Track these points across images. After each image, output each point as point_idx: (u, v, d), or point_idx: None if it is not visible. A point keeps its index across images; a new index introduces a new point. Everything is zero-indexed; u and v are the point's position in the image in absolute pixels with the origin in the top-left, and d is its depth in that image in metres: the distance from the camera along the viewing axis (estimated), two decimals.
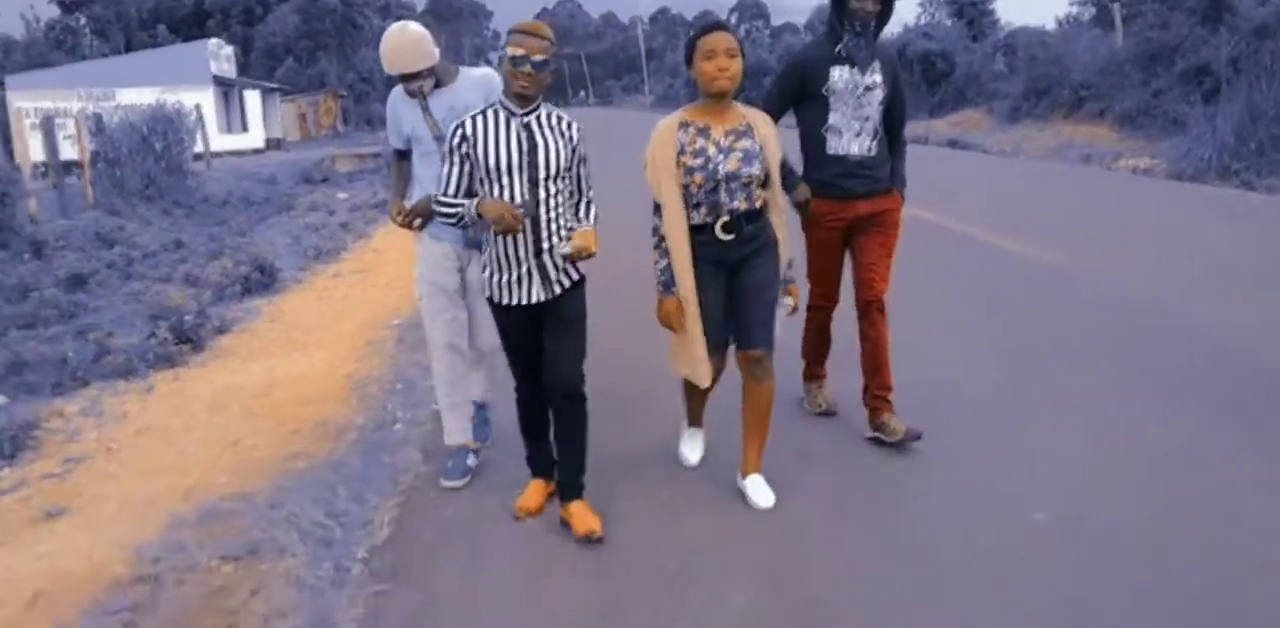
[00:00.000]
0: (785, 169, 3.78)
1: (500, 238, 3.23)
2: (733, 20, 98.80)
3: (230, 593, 3.05)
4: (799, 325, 4.32)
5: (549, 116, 3.30)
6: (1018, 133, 22.36)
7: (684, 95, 60.52)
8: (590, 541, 3.28)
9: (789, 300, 3.58)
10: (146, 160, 16.57)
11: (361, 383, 5.32)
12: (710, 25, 3.40)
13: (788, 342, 3.83)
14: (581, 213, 3.40)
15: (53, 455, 4.57)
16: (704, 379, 3.49)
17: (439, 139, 3.71)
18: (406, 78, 3.71)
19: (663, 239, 3.43)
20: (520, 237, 3.23)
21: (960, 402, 4.64)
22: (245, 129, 33.73)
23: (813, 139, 4.09)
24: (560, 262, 3.30)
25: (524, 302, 3.31)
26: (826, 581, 3.05)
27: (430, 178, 3.77)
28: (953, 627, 2.76)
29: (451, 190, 3.29)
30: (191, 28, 54.55)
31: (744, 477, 3.65)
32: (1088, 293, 6.75)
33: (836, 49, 4.00)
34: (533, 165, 3.21)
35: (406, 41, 3.67)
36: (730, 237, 3.42)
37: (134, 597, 3.05)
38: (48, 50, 49.50)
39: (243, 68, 41.14)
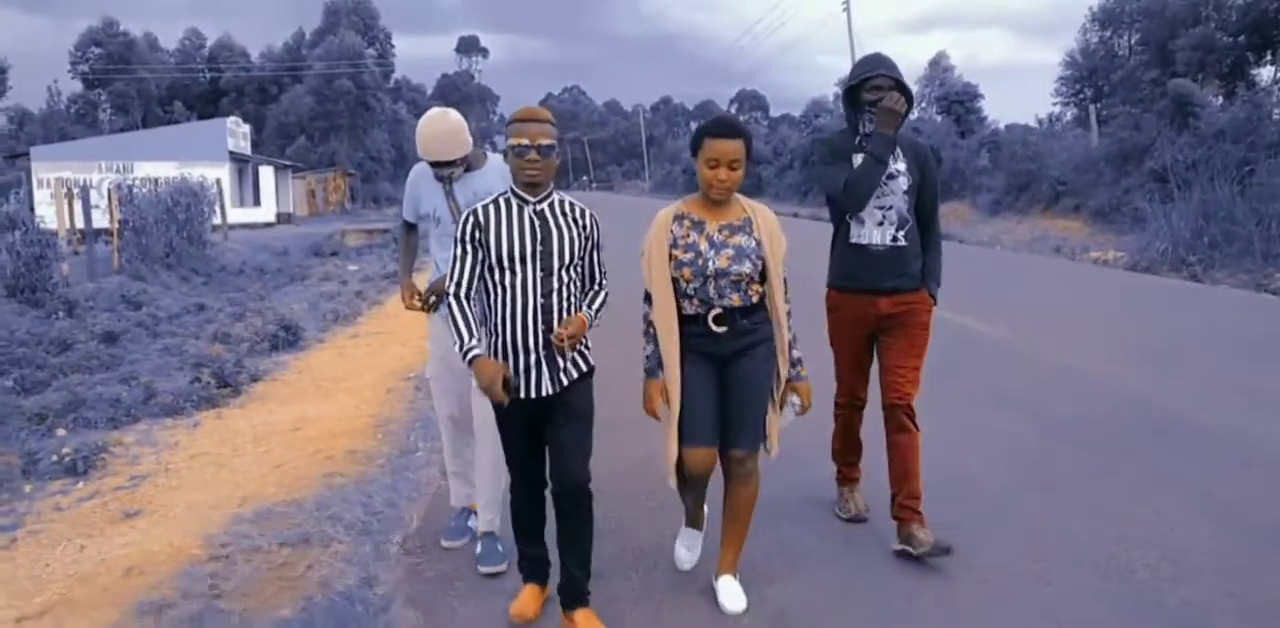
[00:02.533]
0: None
1: (509, 326, 3.11)
2: (732, 110, 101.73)
3: (292, 567, 3.79)
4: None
5: (561, 204, 3.22)
6: (998, 225, 23.47)
7: (681, 182, 62.34)
8: None
9: (796, 399, 3.40)
10: (169, 230, 17.54)
11: (385, 422, 6.08)
12: (722, 127, 3.28)
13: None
14: (586, 301, 3.27)
15: (120, 473, 5.30)
16: (671, 480, 3.40)
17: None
18: (439, 164, 3.74)
19: (651, 326, 3.36)
20: (530, 325, 3.10)
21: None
22: (258, 203, 34.98)
23: (839, 227, 3.98)
24: (568, 351, 3.16)
25: (530, 395, 3.14)
26: None
27: (446, 260, 3.67)
28: None
29: (464, 283, 3.14)
30: (206, 105, 56.65)
31: (717, 576, 3.51)
32: (1023, 359, 7.76)
33: (856, 139, 3.91)
34: (546, 254, 3.11)
35: (445, 130, 3.68)
36: (723, 329, 3.30)
37: (212, 569, 3.78)
38: (68, 123, 51.26)
39: (254, 144, 42.72)
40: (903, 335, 3.92)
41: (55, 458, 5.44)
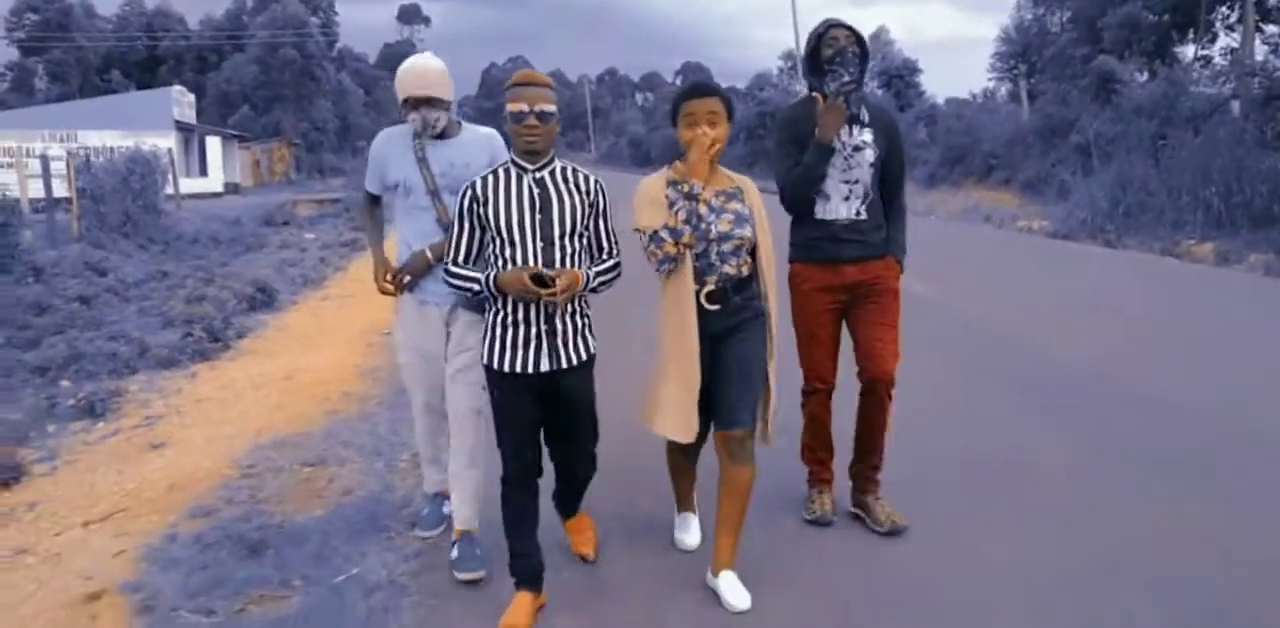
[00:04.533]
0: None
1: (510, 298, 3.01)
2: (677, 82, 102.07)
3: (315, 481, 4.44)
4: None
5: (564, 170, 3.12)
6: (934, 197, 24.45)
7: (627, 153, 62.73)
8: (583, 560, 3.51)
9: None
10: (125, 199, 17.78)
11: (371, 370, 6.69)
12: (692, 89, 3.24)
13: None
14: (593, 264, 3.14)
15: (134, 415, 5.86)
16: (691, 435, 3.21)
17: (433, 194, 3.52)
18: (421, 103, 3.44)
19: (646, 243, 3.18)
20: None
21: None
22: (205, 173, 34.86)
23: (802, 203, 3.80)
24: (574, 328, 3.09)
25: (528, 370, 3.03)
26: None
27: (416, 234, 3.57)
28: None
29: (461, 256, 3.12)
30: (144, 73, 55.78)
31: (715, 574, 3.30)
32: (943, 313, 8.62)
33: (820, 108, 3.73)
34: (546, 223, 3.01)
35: (432, 66, 3.46)
36: (716, 307, 3.20)
37: (246, 484, 4.41)
38: (2, 92, 50.30)
39: (197, 114, 42.41)
40: (874, 305, 3.79)
41: (73, 402, 5.99)
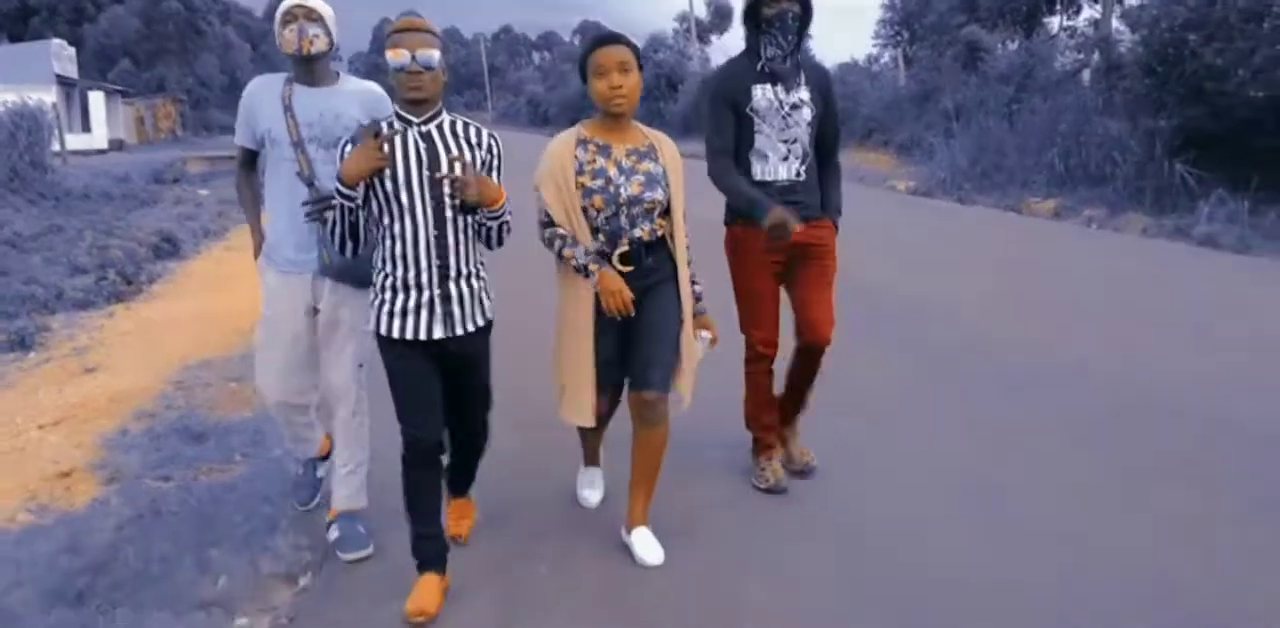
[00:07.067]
0: (756, 194, 3.56)
1: (401, 261, 2.84)
2: (575, 42, 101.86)
3: (241, 392, 5.15)
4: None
5: (454, 124, 2.91)
6: None
7: (525, 112, 62.70)
8: (456, 542, 3.26)
9: (706, 333, 3.33)
10: (12, 155, 17.71)
11: None
12: (599, 38, 3.10)
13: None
14: None
15: (61, 346, 6.44)
16: (590, 420, 3.24)
17: (296, 145, 3.25)
18: (300, 15, 3.20)
19: (556, 235, 3.13)
20: (424, 259, 2.83)
21: None
22: (88, 130, 34.08)
23: (738, 164, 3.71)
24: (469, 291, 2.92)
25: (420, 337, 2.87)
26: None
27: (282, 190, 3.30)
28: None
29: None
30: (16, 24, 53.48)
31: (629, 531, 3.31)
32: None
33: (758, 65, 3.66)
34: (435, 181, 2.81)
35: None
36: (629, 269, 3.13)
37: (180, 395, 5.10)
38: None
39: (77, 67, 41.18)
40: (815, 266, 3.80)
41: (1, 336, 6.52)
